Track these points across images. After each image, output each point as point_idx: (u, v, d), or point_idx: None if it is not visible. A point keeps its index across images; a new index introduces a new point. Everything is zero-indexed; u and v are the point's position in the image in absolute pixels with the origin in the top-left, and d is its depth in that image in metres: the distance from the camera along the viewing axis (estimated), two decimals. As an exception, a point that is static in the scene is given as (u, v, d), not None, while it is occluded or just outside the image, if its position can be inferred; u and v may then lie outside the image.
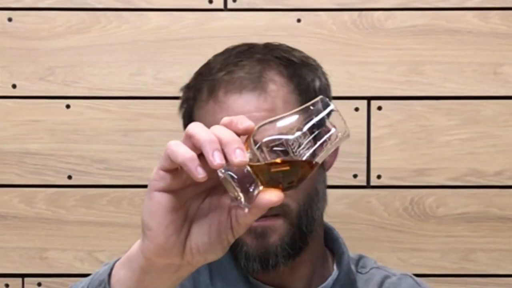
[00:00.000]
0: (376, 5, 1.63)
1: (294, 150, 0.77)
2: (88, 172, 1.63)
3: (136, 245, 0.83)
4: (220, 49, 1.64)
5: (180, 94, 1.26)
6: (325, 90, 1.21)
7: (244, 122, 0.77)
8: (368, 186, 1.62)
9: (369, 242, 1.61)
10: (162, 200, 0.79)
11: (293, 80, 1.16)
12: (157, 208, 0.79)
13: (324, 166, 1.20)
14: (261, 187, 0.76)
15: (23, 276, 1.63)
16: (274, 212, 1.12)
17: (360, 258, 1.28)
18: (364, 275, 1.25)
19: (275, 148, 0.77)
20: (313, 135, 0.77)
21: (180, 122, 1.63)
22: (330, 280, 1.21)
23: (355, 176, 1.62)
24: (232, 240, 0.80)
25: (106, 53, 1.64)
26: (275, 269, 1.13)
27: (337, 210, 1.60)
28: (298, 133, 0.77)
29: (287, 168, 0.77)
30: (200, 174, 0.74)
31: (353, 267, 1.24)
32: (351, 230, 1.60)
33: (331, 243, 1.24)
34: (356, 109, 1.61)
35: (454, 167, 1.62)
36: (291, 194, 1.12)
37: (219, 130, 0.76)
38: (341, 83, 1.59)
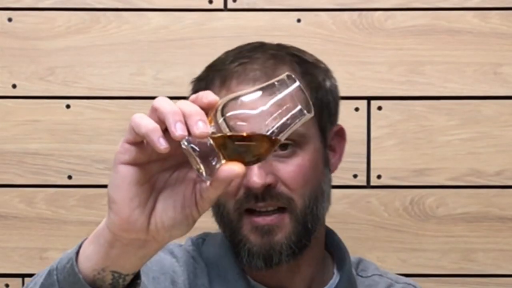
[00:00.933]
0: (376, 5, 1.63)
1: (257, 125, 0.76)
2: (88, 172, 1.63)
3: (103, 221, 0.82)
4: (220, 49, 1.64)
5: (191, 87, 1.25)
6: (335, 90, 1.21)
7: (208, 96, 0.77)
8: (368, 186, 1.62)
9: (369, 242, 1.61)
10: (126, 173, 0.79)
11: (305, 78, 1.16)
12: (122, 181, 0.79)
13: (330, 168, 1.20)
14: (223, 161, 0.76)
15: (23, 276, 1.63)
16: (280, 204, 1.12)
17: (360, 261, 1.28)
18: (365, 279, 1.25)
19: (238, 123, 0.76)
20: (278, 112, 0.77)
21: (180, 122, 1.63)
22: (331, 284, 1.21)
23: (355, 176, 1.62)
24: (197, 216, 0.80)
25: (106, 53, 1.64)
26: (278, 266, 1.13)
27: (337, 210, 1.60)
28: (261, 108, 0.77)
29: (250, 142, 0.77)
30: (162, 145, 0.75)
31: (353, 271, 1.24)
32: (351, 230, 1.60)
33: (331, 247, 1.24)
34: (356, 109, 1.61)
35: (454, 167, 1.62)
36: (297, 190, 1.12)
37: (183, 104, 0.76)
38: (341, 83, 1.58)
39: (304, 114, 0.78)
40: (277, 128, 0.77)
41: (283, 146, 1.13)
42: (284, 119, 0.77)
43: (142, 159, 0.79)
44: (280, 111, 0.77)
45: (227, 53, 1.22)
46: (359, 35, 1.63)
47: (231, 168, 0.75)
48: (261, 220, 1.13)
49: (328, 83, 1.20)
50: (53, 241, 1.63)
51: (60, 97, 1.64)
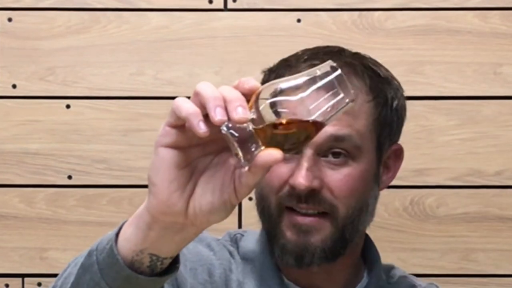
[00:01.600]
0: (376, 5, 1.63)
1: (298, 112, 0.76)
2: (88, 172, 1.63)
3: (143, 204, 0.83)
4: (220, 49, 1.65)
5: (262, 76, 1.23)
6: (401, 110, 1.21)
7: (250, 82, 0.77)
8: (368, 186, 1.62)
9: (369, 242, 1.61)
10: (167, 155, 0.79)
11: (374, 92, 1.16)
12: (162, 164, 0.79)
13: (379, 185, 1.20)
14: (262, 147, 0.76)
15: (23, 276, 1.63)
16: (322, 209, 1.12)
17: (392, 268, 1.29)
18: (392, 285, 1.25)
19: (279, 109, 0.76)
20: (319, 100, 0.77)
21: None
22: (360, 285, 1.21)
23: (355, 176, 1.61)
24: (235, 202, 0.79)
25: (106, 53, 1.64)
26: (308, 268, 1.13)
27: (337, 210, 1.60)
28: (301, 95, 0.76)
29: (289, 129, 0.76)
30: (201, 129, 0.75)
31: (383, 276, 1.24)
32: (351, 230, 1.60)
33: (365, 251, 1.24)
34: (356, 109, 1.61)
35: (454, 167, 1.62)
36: (341, 199, 1.12)
37: (225, 89, 0.76)
38: (341, 83, 1.59)
39: (346, 103, 0.77)
40: (318, 116, 0.77)
41: (336, 154, 1.12)
42: (326, 107, 0.77)
43: (183, 142, 0.79)
44: (321, 99, 0.77)
45: (304, 51, 1.21)
46: (359, 35, 1.63)
47: (270, 154, 0.75)
48: (301, 219, 1.13)
49: (395, 102, 1.19)
50: (53, 241, 1.63)
51: (60, 97, 1.64)
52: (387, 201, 1.62)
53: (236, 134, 0.76)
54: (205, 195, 0.79)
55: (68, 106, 1.64)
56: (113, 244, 0.86)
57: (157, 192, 0.79)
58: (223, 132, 0.76)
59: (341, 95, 0.77)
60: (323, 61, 1.16)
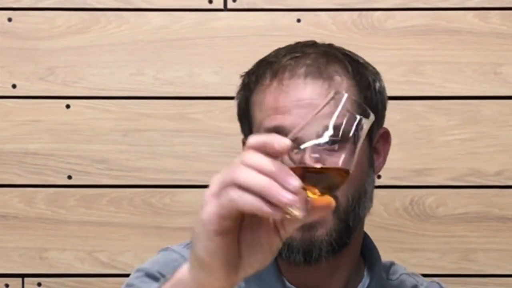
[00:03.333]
0: (376, 5, 1.63)
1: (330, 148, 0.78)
2: (88, 172, 1.63)
3: (185, 272, 0.82)
4: (220, 49, 1.65)
5: (241, 80, 1.23)
6: (383, 93, 1.21)
7: (280, 143, 0.76)
8: (368, 186, 1.62)
9: (369, 242, 1.61)
10: (224, 242, 0.78)
11: (356, 77, 1.16)
12: (220, 250, 0.78)
13: (374, 169, 1.20)
14: (311, 196, 0.77)
15: (23, 276, 1.63)
16: None
17: (391, 265, 1.28)
18: (394, 281, 1.25)
19: (312, 155, 0.78)
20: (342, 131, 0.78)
21: (179, 122, 1.63)
22: (361, 285, 1.21)
23: (355, 176, 1.61)
24: (280, 245, 0.80)
25: (106, 53, 1.64)
26: (316, 263, 1.13)
27: (337, 210, 1.60)
28: (328, 132, 0.78)
29: (326, 172, 0.78)
30: (301, 213, 0.75)
31: (383, 274, 1.24)
32: (351, 230, 1.60)
33: (364, 249, 1.24)
34: (356, 109, 1.61)
35: (454, 167, 1.62)
36: (341, 189, 1.12)
37: (264, 166, 0.75)
38: (341, 83, 1.59)
39: (364, 122, 0.79)
40: (348, 153, 0.79)
41: (332, 143, 1.13)
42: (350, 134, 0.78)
43: (232, 225, 0.78)
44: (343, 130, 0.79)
45: (279, 50, 1.21)
46: (359, 35, 1.63)
47: (327, 200, 0.77)
48: None
49: (377, 85, 1.20)
50: (53, 241, 1.63)
51: (60, 97, 1.64)
52: (387, 201, 1.62)
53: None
54: (254, 255, 0.80)
55: (68, 106, 1.64)
56: None
57: (213, 272, 0.79)
58: None
59: (358, 117, 0.78)
60: (303, 53, 1.16)
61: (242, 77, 1.22)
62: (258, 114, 1.17)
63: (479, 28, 1.62)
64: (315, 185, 0.77)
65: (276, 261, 1.17)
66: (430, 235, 1.62)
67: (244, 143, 1.25)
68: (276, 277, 1.17)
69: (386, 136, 1.23)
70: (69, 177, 1.63)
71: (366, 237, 1.24)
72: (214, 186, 0.78)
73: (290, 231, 0.79)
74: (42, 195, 1.64)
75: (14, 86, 1.63)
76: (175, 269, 1.17)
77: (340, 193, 1.12)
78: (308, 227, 1.12)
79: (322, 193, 0.78)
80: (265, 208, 0.74)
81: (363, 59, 1.22)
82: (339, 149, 0.79)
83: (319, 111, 0.79)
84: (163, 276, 1.16)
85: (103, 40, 1.64)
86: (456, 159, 1.62)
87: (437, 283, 1.29)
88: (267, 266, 1.16)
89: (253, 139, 0.77)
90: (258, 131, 1.15)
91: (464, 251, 1.62)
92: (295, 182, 0.74)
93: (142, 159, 1.63)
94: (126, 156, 1.63)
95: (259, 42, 1.62)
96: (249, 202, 0.75)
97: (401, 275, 1.27)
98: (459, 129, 1.62)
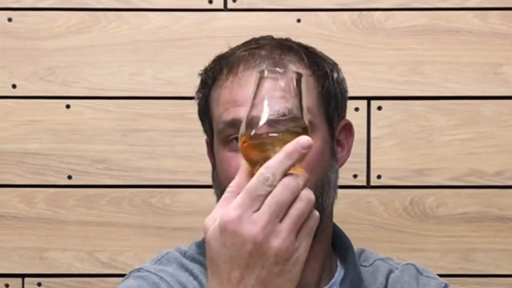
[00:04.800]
0: (376, 5, 1.63)
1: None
2: (88, 172, 1.63)
3: None
4: (220, 49, 1.64)
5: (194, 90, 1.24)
6: (342, 83, 1.21)
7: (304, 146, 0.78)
8: (368, 186, 1.62)
9: (369, 242, 1.61)
10: None
11: (312, 67, 1.16)
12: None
13: (337, 160, 1.20)
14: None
15: (23, 276, 1.63)
16: None
17: (361, 252, 1.28)
18: (368, 267, 1.25)
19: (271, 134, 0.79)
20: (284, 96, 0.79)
21: (179, 122, 1.63)
22: (337, 275, 1.20)
23: (355, 176, 1.61)
24: None
25: (106, 53, 1.64)
26: None
27: (337, 210, 1.59)
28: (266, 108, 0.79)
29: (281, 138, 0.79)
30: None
31: (357, 262, 1.24)
32: (351, 230, 1.59)
33: (335, 240, 1.23)
34: (356, 109, 1.61)
35: (454, 167, 1.62)
36: None
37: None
38: (341, 83, 1.59)
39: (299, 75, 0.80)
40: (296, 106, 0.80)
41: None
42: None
43: None
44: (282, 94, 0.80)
45: (235, 47, 1.21)
46: (359, 35, 1.63)
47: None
48: None
49: (335, 75, 1.19)
50: (53, 241, 1.63)
51: (60, 97, 1.64)
52: (387, 201, 1.62)
53: None
54: None
55: (68, 106, 1.64)
56: None
57: None
58: None
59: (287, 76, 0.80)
60: (257, 45, 1.17)
61: (200, 75, 1.23)
62: (216, 110, 1.17)
63: (479, 28, 1.62)
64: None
65: None
66: (430, 235, 1.62)
67: (207, 143, 1.24)
68: None
69: (348, 128, 1.23)
70: (69, 177, 1.63)
71: (335, 227, 1.24)
72: (293, 230, 0.77)
73: None
74: (42, 195, 1.64)
75: (14, 86, 1.63)
76: None
77: None
78: None
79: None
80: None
81: (320, 52, 1.21)
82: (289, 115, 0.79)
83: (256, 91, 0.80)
84: None
85: (103, 40, 1.64)
86: (456, 159, 1.62)
87: (412, 264, 1.28)
88: None
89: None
90: (218, 127, 1.15)
91: (464, 251, 1.62)
92: (305, 140, 0.76)
93: (142, 159, 1.63)
94: (126, 156, 1.63)
95: (260, 42, 1.61)
96: (316, 217, 0.78)
97: (375, 260, 1.27)
98: (459, 129, 1.62)
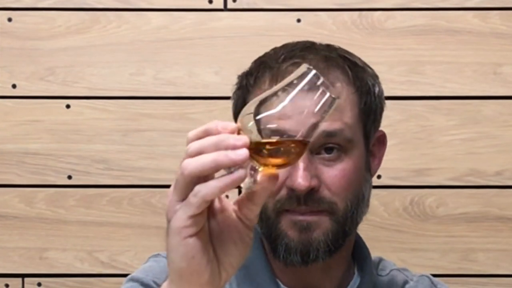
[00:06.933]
0: (376, 5, 1.63)
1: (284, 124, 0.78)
2: (88, 172, 1.63)
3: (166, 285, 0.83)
4: (219, 49, 1.65)
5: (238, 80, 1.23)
6: (382, 96, 1.21)
7: (228, 127, 0.78)
8: (368, 186, 1.62)
9: (369, 242, 1.60)
10: (199, 242, 0.79)
11: (356, 82, 1.16)
12: (198, 252, 0.79)
13: (371, 172, 1.20)
14: (260, 168, 0.78)
15: (23, 276, 1.63)
16: (321, 208, 1.12)
17: (380, 261, 1.29)
18: (384, 277, 1.25)
19: (268, 126, 0.78)
20: (304, 103, 0.77)
21: (179, 122, 1.63)
22: (352, 283, 1.21)
23: (355, 176, 1.61)
24: (251, 235, 0.82)
25: (106, 53, 1.64)
26: (313, 263, 1.13)
27: (337, 210, 1.60)
28: (283, 104, 0.78)
29: (282, 146, 0.78)
30: (241, 176, 0.76)
31: (373, 271, 1.24)
32: (351, 230, 1.60)
33: (354, 248, 1.24)
34: (356, 109, 1.61)
35: (454, 167, 1.62)
36: (340, 194, 1.12)
37: (206, 144, 0.78)
38: (341, 83, 1.59)
39: (331, 101, 0.78)
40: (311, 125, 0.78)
41: (329, 150, 1.12)
42: (312, 110, 0.78)
43: (203, 222, 0.80)
44: (304, 103, 0.78)
45: (276, 50, 1.19)
46: (359, 35, 1.63)
47: (273, 172, 0.78)
48: (301, 216, 1.12)
49: (376, 89, 1.19)
50: (53, 241, 1.63)
51: (60, 97, 1.64)
52: (387, 201, 1.62)
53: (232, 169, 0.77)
54: (230, 253, 0.81)
55: (68, 106, 1.64)
56: None
57: (197, 278, 0.80)
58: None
59: (327, 95, 0.78)
60: (303, 58, 1.15)
61: (240, 78, 1.22)
62: None
63: (479, 28, 1.62)
64: (270, 156, 0.78)
65: (269, 262, 1.17)
66: (430, 235, 1.62)
67: None
68: (270, 278, 1.16)
69: (382, 139, 1.23)
70: (69, 177, 1.63)
71: (357, 237, 1.25)
72: (173, 194, 0.80)
73: (253, 214, 0.80)
74: (42, 195, 1.64)
75: (14, 86, 1.64)
76: None
77: (338, 198, 1.12)
78: (304, 228, 1.12)
79: (279, 166, 0.78)
80: (224, 182, 0.76)
81: (361, 60, 1.21)
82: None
83: (277, 86, 0.79)
84: (158, 285, 1.14)
85: (103, 40, 1.64)
86: (456, 159, 1.62)
87: (427, 276, 1.29)
88: (260, 268, 1.16)
89: (192, 132, 0.79)
90: None
91: (464, 251, 1.62)
92: (239, 142, 0.76)
93: (142, 159, 1.63)
94: (126, 156, 1.63)
95: (259, 42, 1.62)
96: (213, 185, 0.77)
97: (391, 270, 1.27)
98: (459, 129, 1.62)
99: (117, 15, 1.64)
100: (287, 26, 1.63)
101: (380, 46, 1.62)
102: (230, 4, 1.63)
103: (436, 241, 1.62)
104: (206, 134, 0.78)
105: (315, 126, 0.79)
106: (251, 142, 0.76)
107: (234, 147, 0.76)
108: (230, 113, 1.65)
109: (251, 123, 0.77)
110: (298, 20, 1.63)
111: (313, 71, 0.78)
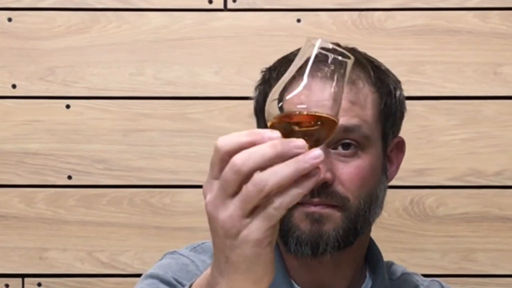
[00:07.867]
0: (376, 5, 1.63)
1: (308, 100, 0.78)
2: (88, 172, 1.63)
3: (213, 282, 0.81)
4: (220, 49, 1.65)
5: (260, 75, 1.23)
6: (403, 102, 1.22)
7: (271, 136, 0.76)
8: (368, 186, 1.62)
9: (369, 242, 1.61)
10: (271, 251, 0.79)
11: (378, 83, 1.17)
12: (270, 259, 0.79)
13: (387, 176, 1.20)
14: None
15: (23, 276, 1.63)
16: (334, 202, 1.12)
17: (391, 265, 1.29)
18: (395, 281, 1.26)
19: (298, 107, 0.78)
20: (324, 82, 0.77)
21: (179, 122, 1.63)
22: (364, 286, 1.21)
23: (355, 176, 1.61)
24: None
25: (106, 53, 1.64)
26: (322, 256, 1.13)
27: (337, 210, 1.60)
28: (304, 83, 0.78)
29: (312, 126, 0.77)
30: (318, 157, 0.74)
31: (385, 275, 1.24)
32: (351, 230, 1.60)
33: (368, 251, 1.24)
34: (356, 109, 1.61)
35: (454, 167, 1.62)
36: (353, 191, 1.13)
37: (267, 154, 0.75)
38: (341, 83, 1.59)
39: (346, 61, 0.78)
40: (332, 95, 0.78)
41: (346, 146, 1.13)
42: (334, 85, 0.78)
43: (278, 227, 0.79)
44: (324, 79, 0.78)
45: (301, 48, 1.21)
46: (359, 35, 1.63)
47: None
48: (314, 208, 1.12)
49: (398, 93, 1.20)
50: (53, 241, 1.63)
51: (60, 97, 1.64)
52: (387, 201, 1.61)
53: None
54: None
55: (68, 106, 1.64)
56: None
57: (266, 279, 0.80)
58: None
59: (332, 57, 0.79)
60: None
61: (263, 72, 1.21)
62: None
63: (479, 28, 1.62)
64: (303, 138, 0.76)
65: (283, 261, 1.17)
66: (430, 235, 1.62)
67: None
68: (284, 277, 1.17)
69: (400, 146, 1.23)
70: (69, 177, 1.63)
71: (371, 241, 1.25)
72: (243, 209, 0.76)
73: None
74: (42, 195, 1.64)
75: (14, 86, 1.64)
76: (189, 275, 1.16)
77: (352, 194, 1.13)
78: (316, 220, 1.12)
79: (310, 147, 0.77)
80: (306, 187, 0.74)
81: (384, 66, 1.22)
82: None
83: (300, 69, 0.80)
84: (179, 283, 1.14)
85: (103, 40, 1.64)
86: (456, 159, 1.62)
87: (438, 282, 1.29)
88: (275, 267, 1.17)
89: (227, 142, 0.76)
90: None
91: (464, 251, 1.62)
92: (300, 143, 0.74)
93: (142, 159, 1.63)
94: (126, 156, 1.63)
95: (259, 42, 1.62)
96: (295, 193, 0.75)
97: (402, 274, 1.27)
98: (459, 129, 1.62)
99: (117, 15, 1.64)
100: (287, 26, 1.63)
101: (380, 46, 1.62)
102: (230, 4, 1.63)
103: (436, 241, 1.62)
104: (252, 144, 0.76)
105: (337, 95, 0.78)
106: (283, 128, 0.76)
107: (298, 148, 0.74)
108: (229, 113, 1.66)
109: (276, 110, 0.77)
110: (298, 20, 1.63)
111: (319, 40, 0.78)
